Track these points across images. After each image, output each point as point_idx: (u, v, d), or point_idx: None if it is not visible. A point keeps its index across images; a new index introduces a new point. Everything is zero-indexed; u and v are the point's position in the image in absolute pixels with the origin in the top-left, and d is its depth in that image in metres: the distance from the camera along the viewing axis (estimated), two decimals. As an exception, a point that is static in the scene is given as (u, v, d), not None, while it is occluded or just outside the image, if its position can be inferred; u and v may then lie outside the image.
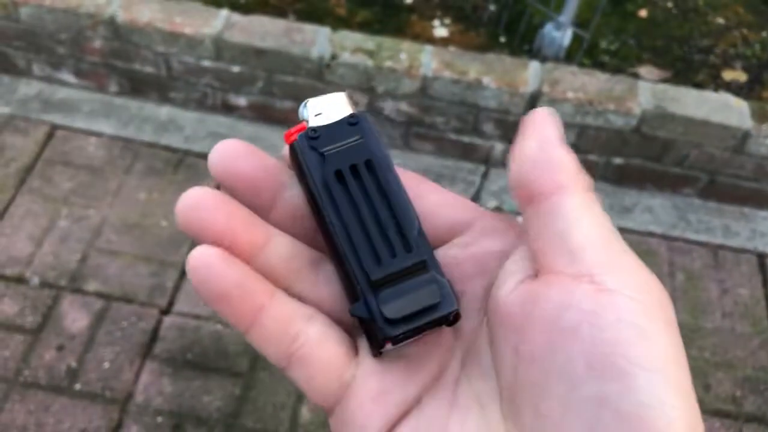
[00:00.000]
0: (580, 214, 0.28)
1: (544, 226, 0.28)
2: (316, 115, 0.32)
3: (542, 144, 0.29)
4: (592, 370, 0.25)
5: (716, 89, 1.92)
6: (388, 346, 0.30)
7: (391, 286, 0.30)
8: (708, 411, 1.56)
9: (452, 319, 0.30)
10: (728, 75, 1.99)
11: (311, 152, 0.31)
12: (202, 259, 0.30)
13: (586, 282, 0.26)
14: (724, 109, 1.75)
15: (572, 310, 0.26)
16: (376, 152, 0.31)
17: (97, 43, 1.85)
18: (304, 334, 0.31)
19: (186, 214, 0.31)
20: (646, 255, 1.80)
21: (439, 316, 0.29)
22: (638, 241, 1.82)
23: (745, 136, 1.73)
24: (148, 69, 1.88)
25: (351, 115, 0.32)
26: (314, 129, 0.32)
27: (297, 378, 0.32)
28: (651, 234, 1.84)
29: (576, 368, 0.25)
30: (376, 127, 0.32)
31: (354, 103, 0.33)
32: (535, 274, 0.28)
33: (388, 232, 0.30)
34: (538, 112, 0.31)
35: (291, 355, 0.31)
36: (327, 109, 0.33)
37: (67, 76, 1.96)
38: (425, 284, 0.29)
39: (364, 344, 0.32)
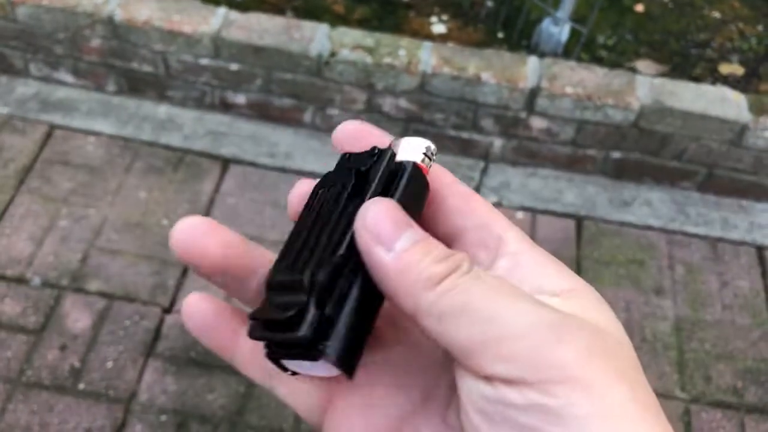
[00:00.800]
0: (440, 327, 0.27)
1: (435, 342, 0.27)
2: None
3: (376, 275, 0.28)
4: None
5: (713, 83, 1.93)
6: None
7: (278, 294, 0.30)
8: (709, 402, 1.57)
9: (319, 352, 0.28)
10: (725, 69, 2.00)
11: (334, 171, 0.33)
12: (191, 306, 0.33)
13: (494, 381, 0.26)
14: (722, 102, 1.76)
15: (488, 402, 0.26)
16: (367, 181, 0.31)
17: (95, 43, 1.84)
18: None
19: (180, 243, 0.32)
20: (645, 248, 1.81)
21: (293, 338, 0.28)
22: (638, 234, 1.83)
23: (743, 129, 1.74)
24: (147, 68, 1.88)
25: (379, 150, 0.32)
26: (347, 154, 0.33)
27: (282, 396, 0.33)
28: (650, 228, 1.85)
29: None
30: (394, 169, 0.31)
31: (431, 155, 0.31)
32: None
33: (315, 248, 0.29)
34: (357, 229, 0.29)
35: (271, 374, 0.32)
36: (406, 148, 0.32)
37: (65, 76, 1.96)
38: (295, 305, 0.28)
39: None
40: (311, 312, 0.28)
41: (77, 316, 1.57)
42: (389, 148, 0.32)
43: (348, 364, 0.28)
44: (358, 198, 0.30)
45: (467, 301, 0.26)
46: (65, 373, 1.50)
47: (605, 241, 1.81)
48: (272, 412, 1.48)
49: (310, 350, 0.28)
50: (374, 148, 0.32)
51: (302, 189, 0.33)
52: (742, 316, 1.71)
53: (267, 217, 1.77)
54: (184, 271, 1.66)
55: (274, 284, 0.30)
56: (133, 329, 1.57)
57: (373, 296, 0.29)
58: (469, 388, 0.27)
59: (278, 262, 0.31)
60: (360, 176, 0.31)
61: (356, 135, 0.33)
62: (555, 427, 0.24)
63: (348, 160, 0.33)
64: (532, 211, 1.84)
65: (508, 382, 0.25)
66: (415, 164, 0.30)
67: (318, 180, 0.34)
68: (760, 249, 1.83)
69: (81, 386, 1.48)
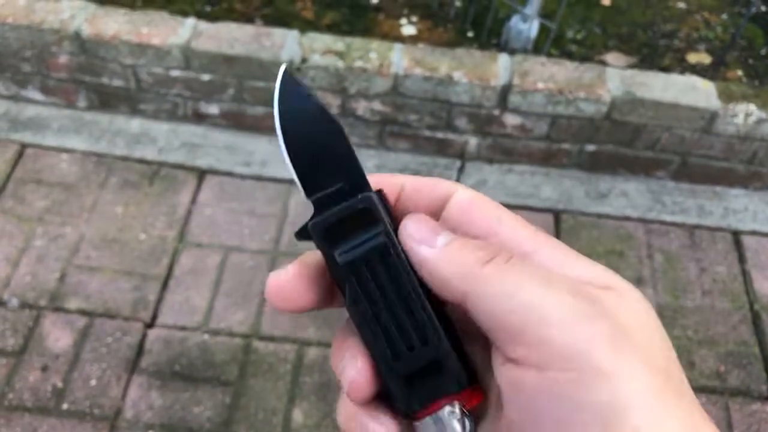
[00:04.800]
0: (488, 307, 0.29)
1: (480, 325, 0.30)
2: None
3: (426, 271, 0.31)
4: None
5: (682, 72, 1.96)
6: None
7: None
8: (694, 388, 1.57)
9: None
10: (693, 58, 2.02)
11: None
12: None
13: (526, 366, 0.28)
14: (692, 91, 1.78)
15: (520, 391, 0.28)
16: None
17: (63, 59, 1.82)
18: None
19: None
20: (623, 239, 1.82)
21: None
22: (615, 225, 1.85)
23: (713, 116, 1.76)
24: (117, 82, 1.87)
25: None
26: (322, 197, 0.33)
27: None
28: (627, 218, 1.87)
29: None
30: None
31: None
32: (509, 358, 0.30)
33: (404, 327, 0.32)
34: (403, 238, 0.32)
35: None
36: None
37: (34, 94, 1.94)
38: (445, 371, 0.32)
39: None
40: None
41: (58, 336, 1.56)
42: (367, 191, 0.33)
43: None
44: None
45: (512, 288, 0.29)
46: (48, 394, 1.48)
47: (584, 233, 1.83)
48: (260, 421, 1.48)
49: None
50: (342, 187, 0.33)
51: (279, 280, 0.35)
52: (722, 300, 1.73)
53: (245, 226, 1.76)
54: (165, 285, 1.64)
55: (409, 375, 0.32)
56: (115, 346, 1.55)
57: None
58: (507, 376, 0.29)
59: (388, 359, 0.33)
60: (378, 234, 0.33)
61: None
62: (579, 413, 0.26)
63: (325, 203, 0.33)
64: (511, 207, 1.85)
65: (541, 367, 0.27)
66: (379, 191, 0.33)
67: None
68: (735, 234, 1.86)
69: (65, 406, 1.46)
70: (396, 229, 0.33)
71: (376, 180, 0.34)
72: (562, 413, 0.26)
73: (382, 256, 0.32)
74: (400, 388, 0.32)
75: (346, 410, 0.33)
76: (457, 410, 0.32)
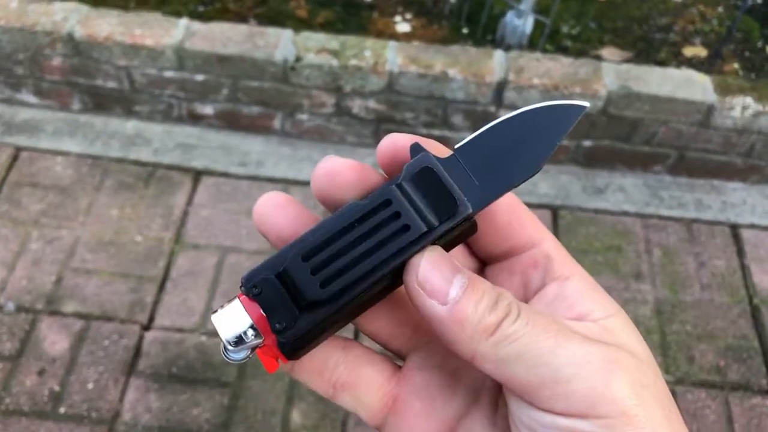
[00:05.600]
0: (498, 371, 0.30)
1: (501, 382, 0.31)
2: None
3: (434, 327, 0.31)
4: None
5: (678, 66, 1.95)
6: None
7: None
8: (693, 383, 1.58)
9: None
10: (689, 51, 2.02)
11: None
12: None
13: (552, 413, 0.29)
14: (688, 84, 1.77)
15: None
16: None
17: (57, 61, 1.82)
18: (342, 362, 0.35)
19: (258, 216, 0.34)
20: (621, 234, 1.82)
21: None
22: (613, 221, 1.84)
23: (710, 110, 1.76)
24: (111, 84, 1.86)
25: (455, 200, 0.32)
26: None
27: (344, 403, 0.35)
28: (625, 213, 1.86)
29: None
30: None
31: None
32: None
33: (335, 262, 0.31)
34: (411, 287, 0.31)
35: (334, 383, 0.35)
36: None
37: (28, 97, 1.93)
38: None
39: (409, 363, 0.35)
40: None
41: (54, 339, 1.55)
42: (464, 210, 0.32)
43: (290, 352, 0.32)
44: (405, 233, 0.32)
45: (522, 349, 0.29)
46: (45, 398, 1.47)
47: (581, 229, 1.82)
48: (259, 423, 1.47)
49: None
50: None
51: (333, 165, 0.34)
52: (721, 294, 1.72)
53: (242, 226, 1.76)
54: (161, 287, 1.64)
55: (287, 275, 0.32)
56: (112, 349, 1.55)
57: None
58: (523, 411, 0.30)
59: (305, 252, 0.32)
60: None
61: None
62: None
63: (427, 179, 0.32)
64: (508, 204, 1.84)
65: (566, 415, 0.28)
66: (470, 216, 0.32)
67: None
68: (734, 227, 1.85)
69: (62, 410, 1.46)
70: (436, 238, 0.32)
71: None
72: None
73: (406, 225, 0.31)
74: (270, 268, 0.32)
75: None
76: (251, 340, 0.31)
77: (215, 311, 0.32)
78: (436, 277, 0.30)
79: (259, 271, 0.32)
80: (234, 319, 0.31)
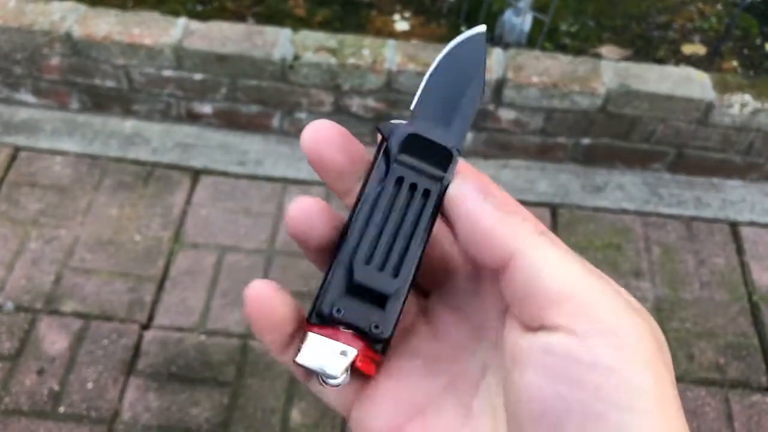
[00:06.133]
0: (539, 270, 0.29)
1: (515, 290, 0.29)
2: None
3: (473, 222, 0.31)
4: (571, 413, 0.26)
5: (677, 64, 1.95)
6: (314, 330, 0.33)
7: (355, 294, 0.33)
8: (693, 380, 1.58)
9: (378, 348, 0.33)
10: (687, 49, 2.01)
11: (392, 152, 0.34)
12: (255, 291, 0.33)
13: (564, 332, 0.27)
14: (687, 82, 1.77)
15: (551, 356, 0.28)
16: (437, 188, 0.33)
17: (55, 61, 1.82)
18: None
19: (293, 223, 0.33)
20: (621, 232, 1.82)
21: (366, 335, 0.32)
22: (612, 219, 1.84)
23: (709, 107, 1.76)
24: (109, 83, 1.86)
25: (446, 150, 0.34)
26: (414, 135, 0.34)
27: (315, 389, 0.34)
28: (624, 211, 1.86)
29: (556, 412, 0.27)
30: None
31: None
32: (529, 327, 0.29)
33: (391, 250, 0.33)
34: (455, 187, 0.32)
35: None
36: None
37: (27, 96, 1.93)
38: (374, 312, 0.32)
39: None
40: (390, 323, 0.33)
41: (53, 339, 1.55)
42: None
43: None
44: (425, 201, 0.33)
45: (562, 258, 0.29)
46: (44, 398, 1.47)
47: (580, 227, 1.82)
48: (258, 421, 1.47)
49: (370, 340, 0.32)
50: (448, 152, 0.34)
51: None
52: (720, 292, 1.72)
53: (241, 225, 1.76)
54: (160, 286, 1.64)
55: (353, 285, 0.32)
56: (111, 348, 1.55)
57: None
58: (536, 342, 0.28)
59: (352, 250, 0.33)
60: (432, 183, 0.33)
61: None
62: (616, 388, 0.26)
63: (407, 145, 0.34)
64: (507, 202, 1.84)
65: (583, 336, 0.27)
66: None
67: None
68: (733, 225, 1.85)
69: (61, 409, 1.46)
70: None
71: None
72: (599, 381, 0.26)
73: (426, 190, 0.33)
74: (335, 289, 0.32)
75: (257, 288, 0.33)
76: (348, 356, 0.32)
77: (298, 356, 0.32)
78: (489, 187, 0.31)
79: (328, 297, 0.32)
80: (321, 350, 0.32)
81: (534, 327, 0.29)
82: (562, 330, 0.27)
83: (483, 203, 0.30)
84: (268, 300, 0.33)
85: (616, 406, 0.26)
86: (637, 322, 0.28)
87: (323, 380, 0.32)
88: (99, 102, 1.92)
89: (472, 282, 0.35)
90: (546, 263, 0.29)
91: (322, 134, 0.33)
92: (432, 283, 0.37)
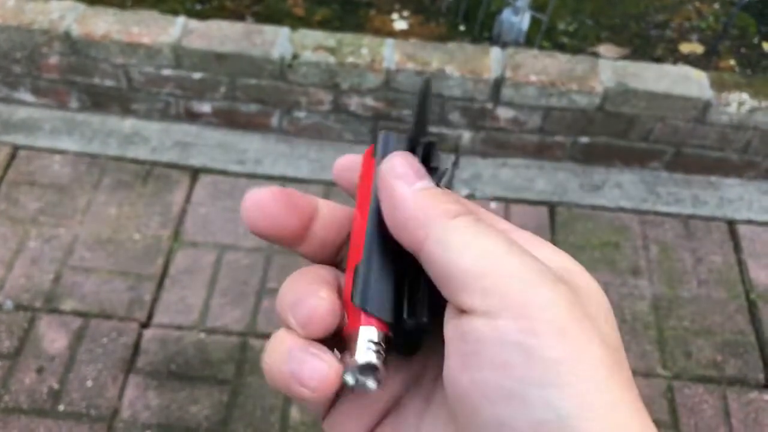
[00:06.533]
0: (448, 252, 0.28)
1: (433, 276, 0.29)
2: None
3: (392, 206, 0.30)
4: (484, 397, 0.25)
5: (675, 62, 1.95)
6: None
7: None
8: (691, 378, 1.58)
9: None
10: (685, 48, 2.02)
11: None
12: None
13: (476, 314, 0.26)
14: (684, 81, 1.78)
15: (464, 342, 0.27)
16: None
17: (54, 60, 1.82)
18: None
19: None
20: (618, 230, 1.82)
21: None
22: (610, 217, 1.85)
23: (707, 106, 1.76)
24: (108, 82, 1.86)
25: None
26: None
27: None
28: (622, 209, 1.87)
29: (472, 398, 0.26)
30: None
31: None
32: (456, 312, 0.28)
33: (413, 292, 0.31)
34: (382, 170, 0.31)
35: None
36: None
37: (26, 95, 1.93)
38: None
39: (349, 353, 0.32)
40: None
41: (53, 337, 1.55)
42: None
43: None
44: None
45: (474, 238, 0.28)
46: (44, 396, 1.47)
47: (578, 225, 1.83)
48: (258, 419, 1.47)
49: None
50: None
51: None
52: (718, 290, 1.73)
53: (240, 224, 1.76)
54: (160, 285, 1.64)
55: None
56: (111, 346, 1.55)
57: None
58: (456, 327, 0.27)
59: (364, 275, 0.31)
60: None
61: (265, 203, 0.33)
62: (526, 364, 0.25)
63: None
64: (505, 200, 1.85)
65: (491, 315, 0.26)
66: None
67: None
68: (731, 223, 1.86)
69: (61, 408, 1.46)
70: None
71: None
72: (508, 360, 0.25)
73: None
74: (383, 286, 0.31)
75: (280, 348, 0.30)
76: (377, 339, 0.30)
77: (347, 376, 0.30)
78: (409, 169, 0.31)
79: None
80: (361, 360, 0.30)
81: (458, 313, 0.28)
82: (474, 312, 0.26)
83: (401, 186, 0.30)
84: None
85: (529, 383, 0.24)
86: (552, 291, 0.26)
87: (365, 385, 0.30)
88: (98, 101, 1.92)
89: None
90: (454, 245, 0.28)
91: (257, 211, 0.32)
92: None
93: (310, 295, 0.30)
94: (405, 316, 0.30)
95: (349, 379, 0.29)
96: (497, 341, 0.25)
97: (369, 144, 0.35)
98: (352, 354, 0.29)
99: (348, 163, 0.35)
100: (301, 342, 0.29)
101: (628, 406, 0.25)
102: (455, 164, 1.91)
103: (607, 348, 0.26)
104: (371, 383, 0.29)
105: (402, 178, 0.30)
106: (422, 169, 0.31)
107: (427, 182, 0.30)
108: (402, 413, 0.32)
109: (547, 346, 0.25)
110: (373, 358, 0.29)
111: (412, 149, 0.33)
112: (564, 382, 0.24)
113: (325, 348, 0.30)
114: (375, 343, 0.29)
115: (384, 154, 0.32)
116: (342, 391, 0.31)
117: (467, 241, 0.28)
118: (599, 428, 0.24)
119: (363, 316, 0.30)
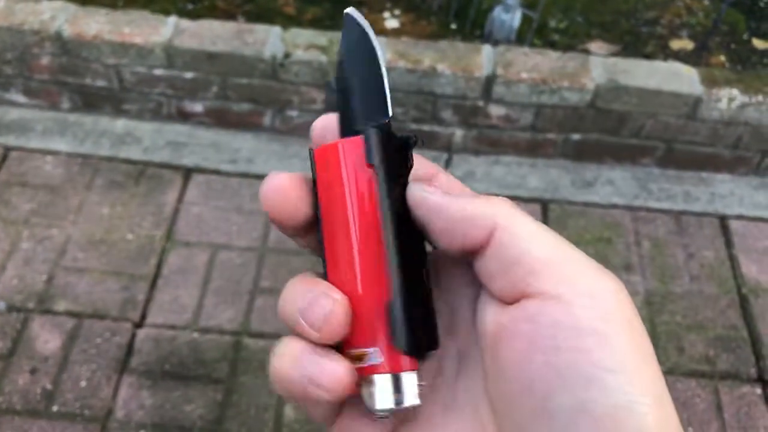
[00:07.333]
0: (522, 239, 0.29)
1: (499, 261, 0.29)
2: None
3: (447, 208, 0.31)
4: (562, 379, 0.27)
5: (665, 59, 1.96)
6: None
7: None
8: (683, 372, 1.59)
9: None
10: (675, 44, 2.03)
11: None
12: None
13: (547, 298, 0.28)
14: (675, 77, 1.78)
15: (534, 325, 0.28)
16: None
17: (45, 60, 1.81)
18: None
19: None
20: (611, 227, 1.83)
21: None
22: (602, 213, 1.85)
23: (697, 102, 1.77)
24: (100, 82, 1.86)
25: None
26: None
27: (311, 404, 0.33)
28: (614, 206, 1.87)
29: (546, 380, 0.27)
30: None
31: None
32: (510, 301, 0.29)
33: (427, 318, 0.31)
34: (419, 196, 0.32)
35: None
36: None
37: (17, 96, 1.92)
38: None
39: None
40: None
41: (46, 338, 1.55)
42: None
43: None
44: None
45: (538, 228, 0.30)
46: (38, 397, 1.47)
47: (571, 222, 1.83)
48: (252, 418, 1.47)
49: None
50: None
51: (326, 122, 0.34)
52: (710, 285, 1.74)
53: (233, 223, 1.76)
54: (153, 285, 1.64)
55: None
56: (105, 346, 1.55)
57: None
58: (520, 311, 0.29)
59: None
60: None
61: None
62: (601, 350, 0.26)
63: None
64: (498, 198, 1.85)
65: (565, 301, 0.27)
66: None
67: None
68: (722, 219, 1.87)
69: (55, 408, 1.46)
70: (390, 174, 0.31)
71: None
72: (585, 345, 0.26)
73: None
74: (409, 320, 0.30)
75: (291, 354, 0.30)
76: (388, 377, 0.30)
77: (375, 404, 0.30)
78: (427, 184, 0.32)
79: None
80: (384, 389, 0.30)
81: (514, 299, 0.29)
82: (545, 296, 0.28)
83: (443, 195, 0.31)
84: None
85: (605, 369, 0.26)
86: (611, 284, 0.28)
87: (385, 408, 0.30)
88: (90, 101, 1.92)
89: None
90: (526, 233, 0.29)
91: (272, 193, 0.32)
92: None
93: (322, 296, 0.30)
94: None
95: (386, 413, 0.30)
96: (574, 326, 0.27)
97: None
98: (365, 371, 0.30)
99: (329, 123, 0.34)
100: (311, 346, 0.30)
101: (669, 400, 0.27)
102: (448, 162, 1.92)
103: (650, 343, 0.28)
104: (406, 404, 0.30)
105: (436, 193, 0.31)
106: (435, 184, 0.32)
107: (459, 192, 0.32)
108: (421, 415, 0.32)
109: (618, 334, 0.27)
110: (418, 401, 0.30)
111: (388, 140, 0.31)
112: (632, 369, 0.26)
113: (333, 350, 0.30)
114: (419, 385, 0.30)
115: (377, 155, 0.31)
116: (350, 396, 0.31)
117: (535, 230, 0.29)
118: (655, 419, 0.25)
119: (407, 360, 0.30)
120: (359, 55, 0.33)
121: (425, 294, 0.31)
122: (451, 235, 0.30)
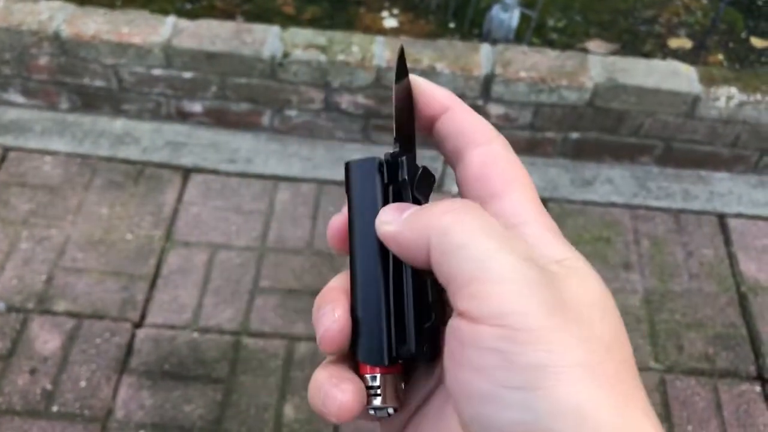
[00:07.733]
0: (451, 257, 0.29)
1: (442, 281, 0.30)
2: None
3: (396, 244, 0.32)
4: (466, 395, 0.28)
5: (664, 58, 1.96)
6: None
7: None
8: (683, 371, 1.59)
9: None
10: (674, 43, 2.03)
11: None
12: None
13: (462, 318, 0.28)
14: (673, 76, 1.78)
15: (455, 341, 0.28)
16: None
17: (44, 60, 1.81)
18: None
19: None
20: (610, 225, 1.83)
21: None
22: (601, 212, 1.86)
23: (695, 100, 1.77)
24: (99, 82, 1.86)
25: None
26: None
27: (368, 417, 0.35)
28: (613, 204, 1.88)
29: (456, 392, 0.28)
30: None
31: None
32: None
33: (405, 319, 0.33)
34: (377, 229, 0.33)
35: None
36: None
37: (15, 96, 1.92)
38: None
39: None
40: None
41: (46, 338, 1.55)
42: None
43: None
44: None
45: (471, 239, 0.28)
46: (37, 397, 1.47)
47: (570, 221, 1.83)
48: (252, 417, 1.47)
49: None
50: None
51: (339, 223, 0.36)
52: (709, 283, 1.74)
53: (232, 223, 1.76)
54: (152, 285, 1.64)
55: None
56: (104, 347, 1.55)
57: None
58: (449, 327, 0.29)
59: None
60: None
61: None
62: (504, 369, 0.26)
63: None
64: (497, 197, 1.85)
65: (474, 319, 0.27)
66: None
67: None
68: (721, 217, 1.87)
69: (54, 408, 1.46)
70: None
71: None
72: (486, 364, 0.26)
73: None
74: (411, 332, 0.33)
75: (315, 380, 0.33)
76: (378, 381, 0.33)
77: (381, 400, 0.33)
78: (392, 211, 0.32)
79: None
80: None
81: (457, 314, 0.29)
82: (462, 315, 0.28)
83: (389, 227, 0.32)
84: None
85: (506, 386, 0.26)
86: (534, 297, 0.27)
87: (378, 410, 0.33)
88: (88, 101, 1.92)
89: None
90: (451, 248, 0.29)
91: (338, 238, 0.35)
92: None
93: (326, 314, 0.33)
94: (394, 348, 0.33)
95: (372, 412, 0.33)
96: (476, 345, 0.27)
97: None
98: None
99: (341, 224, 0.36)
100: (327, 374, 0.32)
101: (609, 403, 0.25)
102: (446, 163, 1.91)
103: (593, 350, 0.26)
104: (389, 411, 0.33)
105: (388, 222, 0.32)
106: (406, 205, 0.33)
107: (411, 210, 0.32)
108: (426, 409, 0.33)
109: (524, 353, 0.26)
110: (378, 402, 0.32)
111: (380, 167, 0.34)
112: (540, 385, 0.25)
113: (347, 375, 0.32)
114: (377, 387, 0.32)
115: (358, 186, 0.34)
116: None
117: (460, 241, 0.28)
118: (572, 426, 0.25)
119: (366, 366, 0.33)
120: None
121: (401, 307, 0.33)
122: (412, 261, 0.32)
